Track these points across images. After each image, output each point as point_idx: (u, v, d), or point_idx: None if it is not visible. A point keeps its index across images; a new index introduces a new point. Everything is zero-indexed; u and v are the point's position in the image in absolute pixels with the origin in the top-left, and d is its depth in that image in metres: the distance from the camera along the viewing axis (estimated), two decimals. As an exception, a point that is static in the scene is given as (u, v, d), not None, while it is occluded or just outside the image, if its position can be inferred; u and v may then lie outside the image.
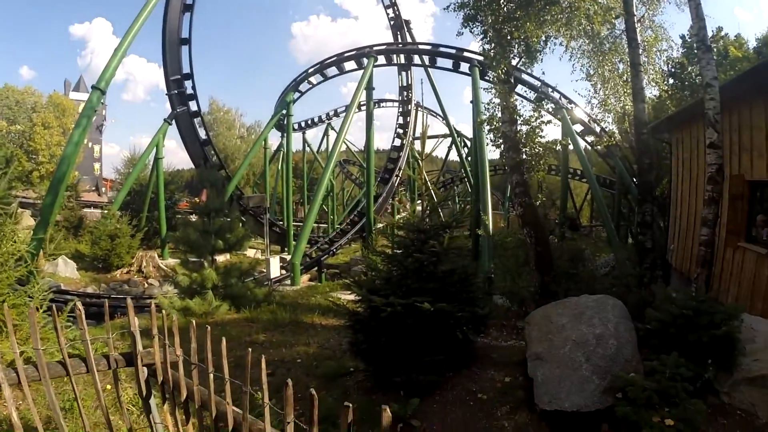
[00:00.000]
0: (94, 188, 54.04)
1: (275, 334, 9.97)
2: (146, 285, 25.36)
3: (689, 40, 22.93)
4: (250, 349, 2.71)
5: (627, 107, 12.17)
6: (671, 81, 22.69)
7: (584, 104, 18.11)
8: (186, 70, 33.90)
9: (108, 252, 25.79)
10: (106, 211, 29.70)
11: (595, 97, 13.43)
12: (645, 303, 7.44)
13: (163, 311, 11.30)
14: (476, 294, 7.32)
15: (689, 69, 24.27)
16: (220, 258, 15.38)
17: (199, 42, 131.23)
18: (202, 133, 35.67)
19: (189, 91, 34.10)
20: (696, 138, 12.12)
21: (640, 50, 10.92)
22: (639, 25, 11.03)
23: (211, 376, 2.86)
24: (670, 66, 20.92)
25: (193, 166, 39.36)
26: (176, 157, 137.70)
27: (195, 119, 34.96)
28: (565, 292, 9.37)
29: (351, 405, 2.06)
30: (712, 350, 5.35)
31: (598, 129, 30.90)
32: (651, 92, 13.60)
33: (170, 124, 32.85)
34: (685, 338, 5.43)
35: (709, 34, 11.62)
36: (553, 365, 5.48)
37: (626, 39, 10.87)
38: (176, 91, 33.28)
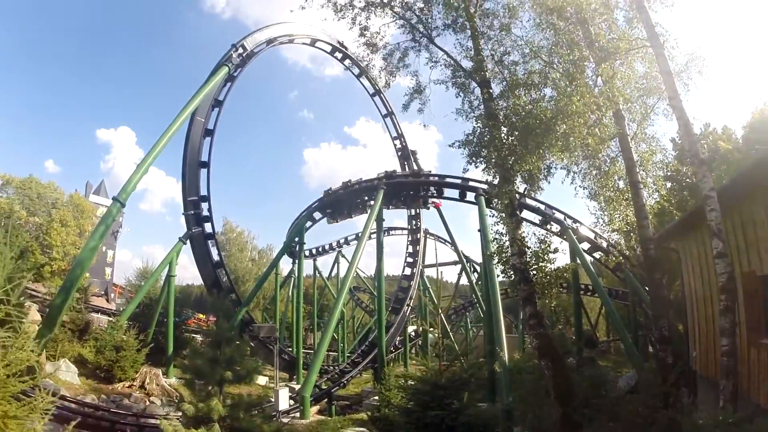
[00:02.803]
0: (103, 293, 53.66)
1: (283, 475, 9.44)
2: (147, 403, 24.17)
3: (679, 142, 23.71)
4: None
5: (631, 220, 12.32)
6: (668, 185, 23.14)
7: (590, 224, 18.40)
8: (204, 192, 34.93)
9: (112, 363, 24.99)
10: (113, 320, 29.31)
11: (601, 218, 13.71)
12: (674, 426, 7.07)
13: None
14: None
15: (684, 170, 24.88)
16: (229, 387, 14.91)
17: (217, 164, 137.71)
18: (215, 255, 35.89)
19: (205, 213, 34.84)
20: (702, 243, 12.13)
21: (637, 167, 11.28)
22: (632, 142, 11.48)
23: None
24: (665, 171, 21.52)
25: (204, 284, 39.36)
26: (187, 272, 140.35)
27: (209, 241, 35.41)
28: (589, 422, 8.97)
29: None
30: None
31: (605, 244, 31.02)
32: (653, 201, 13.89)
33: (185, 243, 33.31)
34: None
35: (698, 131, 12.06)
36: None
37: (623, 159, 11.28)
38: (193, 212, 34.04)
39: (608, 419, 8.89)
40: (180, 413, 13.50)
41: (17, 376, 5.85)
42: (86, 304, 33.89)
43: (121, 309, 34.15)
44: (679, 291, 18.33)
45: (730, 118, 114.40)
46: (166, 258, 32.60)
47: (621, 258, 22.32)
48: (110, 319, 31.15)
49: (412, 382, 7.58)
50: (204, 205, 34.80)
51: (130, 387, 25.32)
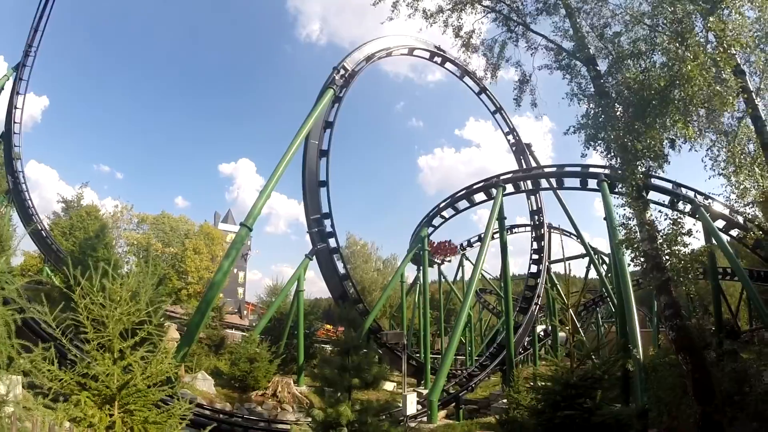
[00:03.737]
0: (236, 311, 57.91)
1: (410, 478, 9.59)
2: (279, 410, 25.59)
3: None
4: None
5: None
6: None
7: (722, 197, 16.61)
8: (325, 209, 36.52)
9: (246, 374, 26.53)
10: (247, 335, 31.36)
11: (733, 192, 12.51)
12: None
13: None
14: None
15: None
16: (357, 393, 15.43)
17: (337, 182, 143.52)
18: (340, 268, 37.34)
19: (328, 228, 36.37)
20: None
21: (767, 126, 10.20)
22: (758, 98, 10.38)
23: None
24: None
25: (331, 297, 40.90)
26: (315, 286, 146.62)
27: (334, 255, 36.83)
28: (731, 422, 8.26)
29: None
30: None
31: (741, 220, 28.07)
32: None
33: (311, 259, 34.93)
34: None
35: None
36: None
37: (750, 118, 10.26)
38: (316, 230, 35.67)
39: (752, 418, 8.12)
40: (310, 419, 14.20)
41: (157, 386, 6.58)
42: (221, 322, 36.95)
43: (254, 324, 36.61)
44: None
45: None
46: (294, 274, 34.34)
47: (761, 233, 20.02)
48: (244, 333, 33.50)
49: (542, 382, 7.42)
50: (326, 222, 36.36)
51: (263, 395, 26.90)
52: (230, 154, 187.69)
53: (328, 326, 49.92)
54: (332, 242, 36.77)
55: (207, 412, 19.86)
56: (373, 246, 79.12)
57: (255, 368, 26.91)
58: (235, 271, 64.18)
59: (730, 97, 10.42)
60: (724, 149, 11.60)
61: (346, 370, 13.94)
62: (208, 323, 31.15)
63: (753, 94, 10.20)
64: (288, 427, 13.40)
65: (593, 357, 13.18)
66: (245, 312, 59.17)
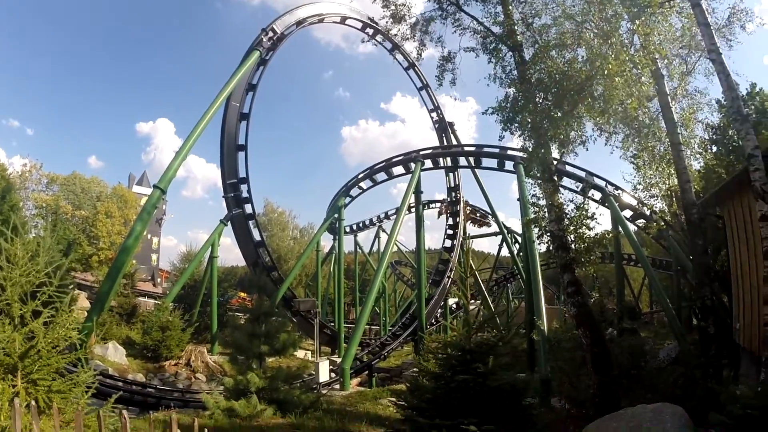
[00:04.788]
0: (149, 278, 55.83)
1: (320, 444, 9.61)
2: (193, 379, 25.13)
3: (724, 103, 22.56)
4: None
5: (673, 186, 11.84)
6: (714, 148, 22.07)
7: (631, 189, 17.79)
8: (242, 174, 35.27)
9: (158, 343, 25.93)
10: (159, 302, 30.35)
11: (640, 183, 13.23)
12: (712, 397, 6.85)
13: (206, 411, 11.17)
14: (528, 411, 6.97)
15: (730, 133, 23.72)
16: (270, 359, 15.27)
17: (255, 146, 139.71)
18: (256, 235, 36.33)
19: (245, 194, 35.16)
20: (748, 208, 11.59)
21: (678, 126, 10.78)
22: (673, 102, 10.95)
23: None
24: (711, 133, 20.46)
25: (246, 264, 40.13)
26: (231, 254, 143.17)
27: (249, 221, 35.80)
28: (626, 393, 8.79)
29: None
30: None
31: (647, 212, 30.11)
32: (697, 165, 13.28)
33: (226, 225, 33.86)
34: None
35: (743, 91, 11.46)
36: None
37: (663, 120, 10.80)
38: (232, 195, 34.48)
39: (646, 390, 8.69)
40: (222, 387, 13.93)
41: (60, 353, 6.15)
42: (133, 289, 35.22)
43: (168, 292, 35.18)
44: (724, 262, 17.61)
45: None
46: (209, 240, 33.31)
47: (663, 224, 21.46)
48: (157, 302, 32.21)
49: (442, 348, 7.58)
50: (243, 187, 35.15)
51: (176, 365, 26.26)
52: (149, 113, 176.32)
53: (243, 294, 49.12)
54: (248, 208, 35.67)
55: (120, 384, 18.94)
56: (291, 214, 78.34)
57: (168, 337, 26.28)
58: (149, 236, 61.48)
59: (645, 99, 10.99)
60: (635, 143, 12.22)
61: (257, 337, 13.76)
62: (120, 291, 29.61)
63: (668, 97, 10.70)
64: (201, 396, 13.09)
65: (489, 326, 13.77)
66: (159, 279, 57.29)
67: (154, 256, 67.29)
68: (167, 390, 20.57)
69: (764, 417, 4.87)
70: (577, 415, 9.95)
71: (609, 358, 9.82)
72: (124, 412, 3.31)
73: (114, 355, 24.01)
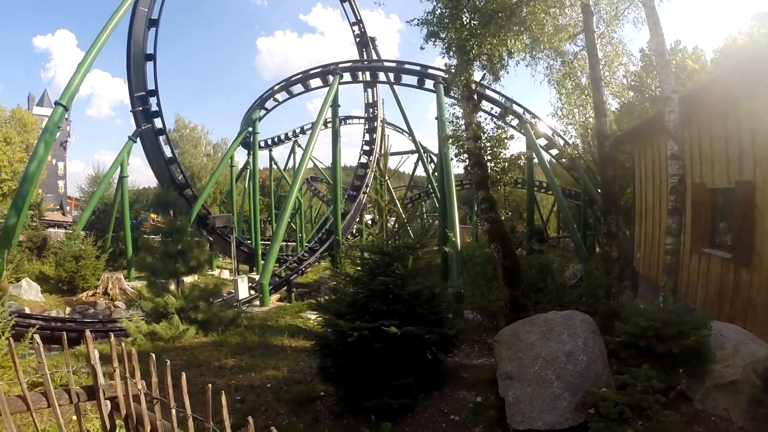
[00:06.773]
0: (58, 207, 52.42)
1: (244, 358, 9.74)
2: (113, 308, 24.56)
3: (648, 53, 23.50)
4: (210, 385, 2.57)
5: (590, 120, 12.30)
6: (631, 94, 23.22)
7: (548, 117, 18.51)
8: (151, 86, 33.14)
9: (73, 274, 24.97)
10: (70, 232, 28.76)
11: (560, 110, 13.63)
12: (614, 314, 7.47)
13: (128, 337, 10.92)
14: (444, 314, 7.26)
15: (648, 81, 24.91)
16: (188, 279, 15.00)
17: (164, 58, 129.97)
18: (167, 151, 34.75)
19: (154, 108, 33.28)
20: (657, 150, 12.40)
21: (601, 66, 11.06)
22: (599, 41, 11.18)
23: (174, 411, 2.71)
24: (630, 80, 21.45)
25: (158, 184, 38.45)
26: (142, 175, 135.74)
27: (160, 137, 34.06)
28: (535, 305, 9.39)
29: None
30: (683, 360, 5.36)
31: (561, 142, 31.43)
32: (613, 106, 13.84)
33: (135, 141, 31.98)
34: (655, 350, 5.42)
35: (668, 47, 11.94)
36: (524, 384, 5.41)
37: (587, 55, 11.02)
38: (141, 108, 32.38)
39: (553, 304, 9.33)
40: (141, 312, 13.62)
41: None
42: (41, 220, 32.90)
43: (78, 220, 33.24)
44: (630, 198, 18.87)
45: (703, 39, 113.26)
46: (117, 159, 31.46)
47: (576, 153, 22.55)
48: (67, 231, 30.41)
49: (361, 253, 7.70)
50: (152, 101, 33.12)
51: (93, 295, 25.50)
52: (46, 25, 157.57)
53: (154, 215, 47.37)
54: (158, 123, 33.80)
55: (40, 322, 17.97)
56: (204, 130, 74.93)
57: (82, 267, 25.29)
58: (54, 161, 56.64)
59: (573, 32, 11.10)
60: (559, 71, 12.45)
61: (171, 257, 13.40)
62: (27, 223, 27.57)
63: (595, 35, 10.82)
64: (123, 324, 12.76)
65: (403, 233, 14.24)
66: (68, 207, 53.89)
67: (60, 183, 62.33)
68: (87, 322, 20.01)
69: (665, 328, 5.41)
70: (489, 326, 10.61)
71: (520, 272, 10.41)
72: (36, 336, 3.12)
73: (29, 292, 22.80)
